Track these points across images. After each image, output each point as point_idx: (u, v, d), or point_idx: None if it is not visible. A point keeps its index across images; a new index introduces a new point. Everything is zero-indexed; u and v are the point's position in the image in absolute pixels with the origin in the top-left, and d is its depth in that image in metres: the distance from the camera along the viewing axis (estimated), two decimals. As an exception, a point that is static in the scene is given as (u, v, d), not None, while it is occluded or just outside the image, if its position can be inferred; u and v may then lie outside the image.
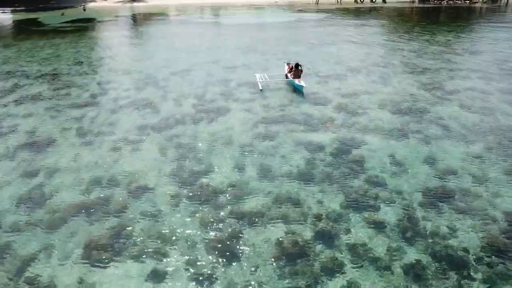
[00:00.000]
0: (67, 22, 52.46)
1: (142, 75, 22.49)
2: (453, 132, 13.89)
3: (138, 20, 57.38)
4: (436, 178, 10.90)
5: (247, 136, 13.78)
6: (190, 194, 10.24)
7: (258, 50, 29.63)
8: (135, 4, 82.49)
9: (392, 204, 9.70)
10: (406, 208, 9.56)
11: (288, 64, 22.22)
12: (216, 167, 11.62)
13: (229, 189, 10.44)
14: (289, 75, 21.04)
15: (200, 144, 13.17)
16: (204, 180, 10.90)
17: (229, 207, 9.62)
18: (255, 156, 12.31)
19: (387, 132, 13.90)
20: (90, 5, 78.50)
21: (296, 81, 19.88)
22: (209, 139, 13.60)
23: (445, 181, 10.72)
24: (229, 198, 10.03)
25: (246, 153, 12.49)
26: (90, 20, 55.26)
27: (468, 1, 75.88)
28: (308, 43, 32.07)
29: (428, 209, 9.51)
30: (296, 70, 20.47)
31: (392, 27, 42.88)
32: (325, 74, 22.04)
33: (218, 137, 13.70)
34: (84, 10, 72.54)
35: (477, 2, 75.09)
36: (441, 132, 13.95)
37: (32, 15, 62.73)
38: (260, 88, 19.56)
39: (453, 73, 21.87)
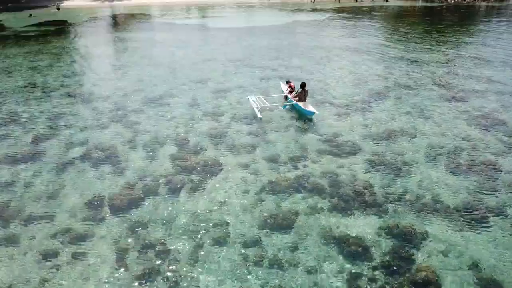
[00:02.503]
0: (33, 25, 47.66)
1: (107, 104, 18.08)
2: (551, 210, 9.82)
3: (117, 22, 52.68)
4: None
5: (249, 223, 9.54)
6: None
7: (254, 64, 25.40)
8: (116, 2, 77.65)
9: None
10: None
11: (287, 82, 18.38)
12: (203, 301, 7.35)
13: None
14: (290, 96, 17.26)
15: (178, 243, 8.87)
16: None
17: None
18: (265, 269, 8.07)
19: (456, 214, 9.77)
20: (65, 4, 73.48)
21: (302, 104, 16.27)
22: (191, 229, 9.33)
23: None
24: None
25: (250, 263, 8.25)
26: (61, 22, 50.47)
27: (475, 0, 72.62)
28: (313, 54, 27.93)
29: None
30: (302, 91, 16.72)
31: (405, 31, 38.98)
32: (342, 101, 17.87)
33: (206, 226, 9.44)
34: (58, 9, 67.57)
35: (485, 0, 71.87)
36: (533, 209, 9.87)
37: (-4, 17, 57.62)
38: (259, 116, 15.82)
39: (506, 99, 17.88)
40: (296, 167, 12.09)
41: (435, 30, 37.90)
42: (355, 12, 56.07)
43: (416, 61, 25.26)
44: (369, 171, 11.78)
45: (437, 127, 14.91)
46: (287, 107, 17.21)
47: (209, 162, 12.42)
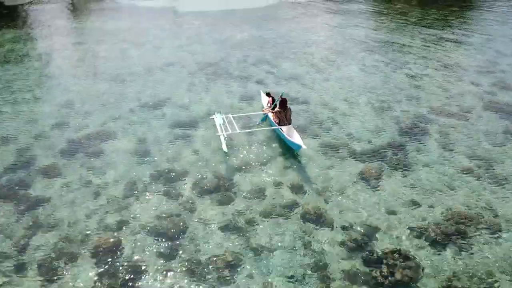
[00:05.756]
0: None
1: (8, 156, 12.31)
2: None
3: (75, 6, 45.18)
4: None
5: None
6: None
7: (231, 71, 19.76)
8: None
9: None
10: None
11: (268, 94, 14.39)
12: None
13: None
14: (270, 115, 13.34)
15: None
16: None
17: None
18: None
19: None
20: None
21: (285, 130, 12.27)
22: None
23: None
24: None
25: None
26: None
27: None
28: (309, 54, 22.40)
29: None
30: (283, 109, 12.72)
31: (417, 15, 33.41)
32: (365, 147, 12.64)
33: None
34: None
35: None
36: None
37: None
38: (225, 149, 11.79)
39: None
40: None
41: (452, 15, 32.54)
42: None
43: (446, 64, 20.05)
44: None
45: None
46: (260, 123, 13.78)
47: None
